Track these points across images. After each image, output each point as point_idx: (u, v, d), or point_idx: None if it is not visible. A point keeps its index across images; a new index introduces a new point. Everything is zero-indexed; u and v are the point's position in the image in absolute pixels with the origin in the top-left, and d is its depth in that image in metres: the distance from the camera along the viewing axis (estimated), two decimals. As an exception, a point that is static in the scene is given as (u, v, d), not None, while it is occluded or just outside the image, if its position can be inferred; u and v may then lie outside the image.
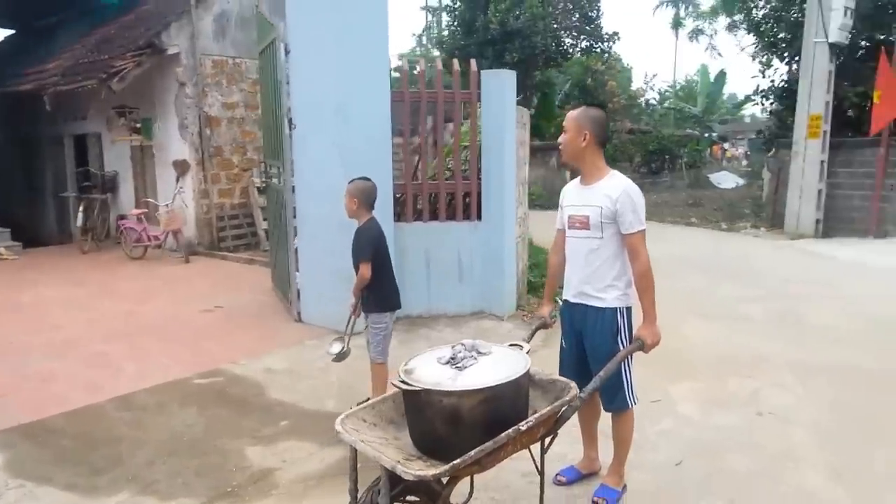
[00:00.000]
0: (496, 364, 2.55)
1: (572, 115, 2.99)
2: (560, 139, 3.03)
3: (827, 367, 5.05)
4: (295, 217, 6.18)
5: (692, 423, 4.06)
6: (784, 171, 11.90)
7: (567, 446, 3.43)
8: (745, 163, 32.64)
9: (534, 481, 3.35)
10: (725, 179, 23.34)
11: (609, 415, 3.23)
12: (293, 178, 6.12)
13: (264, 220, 10.33)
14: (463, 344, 2.63)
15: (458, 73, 6.27)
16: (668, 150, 23.83)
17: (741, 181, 22.38)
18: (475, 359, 2.56)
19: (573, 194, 3.10)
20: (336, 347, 4.26)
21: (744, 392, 4.56)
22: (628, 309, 3.03)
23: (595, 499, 3.15)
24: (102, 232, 11.29)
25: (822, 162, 11.20)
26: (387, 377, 4.27)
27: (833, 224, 11.35)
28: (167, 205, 9.66)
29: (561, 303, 3.26)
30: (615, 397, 3.07)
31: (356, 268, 4.09)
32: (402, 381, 2.49)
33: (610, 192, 2.90)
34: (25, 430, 4.07)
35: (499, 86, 6.14)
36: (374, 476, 2.53)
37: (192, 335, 6.02)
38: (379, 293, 4.15)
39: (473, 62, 6.39)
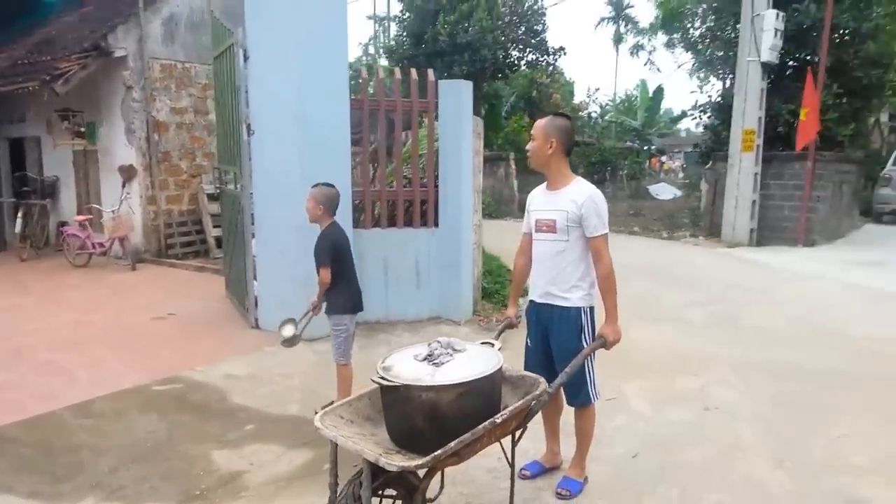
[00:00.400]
0: (471, 360, 2.67)
1: (540, 124, 3.16)
2: (528, 146, 3.20)
3: (765, 365, 5.37)
4: (253, 223, 6.17)
5: (645, 419, 4.27)
6: (720, 183, 12.48)
7: (530, 443, 3.57)
8: (681, 175, 33.88)
9: (498, 476, 3.51)
10: (664, 191, 24.20)
11: (570, 411, 3.41)
12: (251, 184, 6.12)
13: (214, 227, 10.21)
14: (439, 341, 2.74)
15: (416, 83, 6.39)
16: (609, 161, 24.58)
17: (678, 192, 23.24)
18: (451, 355, 2.68)
19: (540, 199, 3.26)
20: (288, 331, 4.28)
21: (691, 389, 4.82)
22: (591, 308, 3.20)
23: (559, 490, 3.31)
24: (42, 239, 10.90)
25: (756, 174, 11.80)
26: (350, 378, 4.35)
27: (766, 233, 11.96)
28: (113, 211, 9.43)
29: (527, 303, 3.41)
30: (579, 392, 3.23)
31: (318, 271, 4.16)
32: (382, 378, 2.59)
33: (575, 197, 3.08)
34: (-22, 440, 3.96)
35: (456, 95, 6.30)
36: (348, 473, 2.62)
37: (146, 343, 5.92)
38: (340, 296, 4.22)
39: (431, 72, 6.53)
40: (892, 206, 14.68)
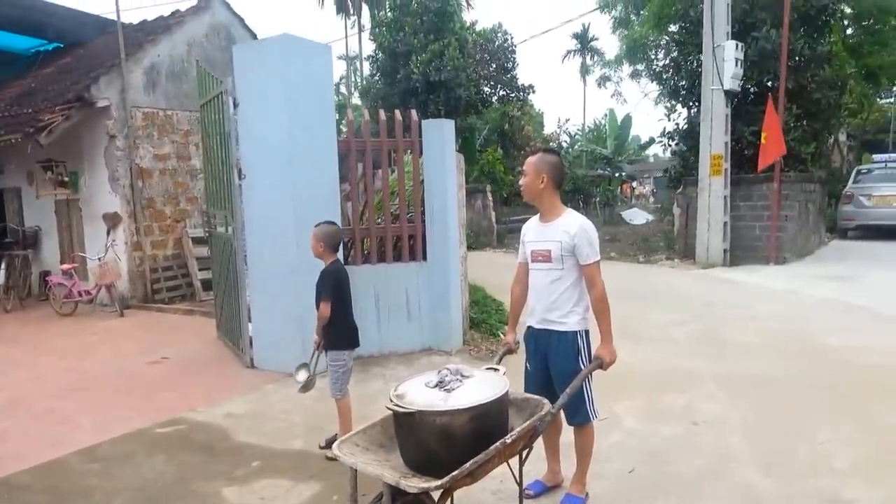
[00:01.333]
0: (480, 385, 2.85)
1: (531, 161, 3.39)
2: (520, 181, 3.43)
3: (747, 378, 5.61)
4: (246, 265, 6.31)
5: (638, 435, 4.46)
6: (692, 206, 12.89)
7: (530, 465, 3.72)
8: (652, 199, 34.67)
9: (502, 497, 3.66)
10: (637, 216, 24.74)
11: (569, 430, 3.59)
12: (243, 226, 6.28)
13: (200, 269, 10.28)
14: (448, 369, 2.92)
15: (400, 123, 6.65)
16: (582, 189, 25.12)
17: (651, 217, 23.78)
18: (461, 381, 2.85)
19: (534, 231, 3.49)
20: (302, 376, 4.40)
21: (679, 405, 5.03)
22: (587, 332, 3.41)
23: (562, 507, 3.47)
24: (24, 290, 10.87)
25: (726, 197, 12.23)
26: (350, 410, 4.45)
27: (739, 253, 12.36)
28: (99, 258, 9.47)
29: (525, 329, 3.60)
30: (578, 412, 3.42)
31: (318, 306, 4.32)
32: (397, 405, 2.75)
33: (568, 227, 3.31)
34: (-13, 490, 4.01)
35: (439, 133, 6.55)
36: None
37: (143, 387, 5.98)
38: (338, 332, 4.36)
39: (414, 112, 6.80)
40: (856, 221, 15.25)
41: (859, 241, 14.91)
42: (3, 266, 10.35)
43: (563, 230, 3.32)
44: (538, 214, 3.51)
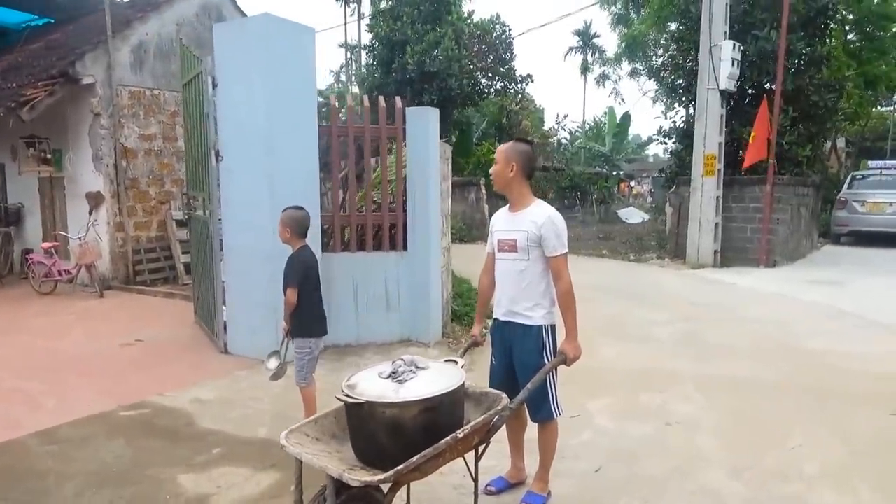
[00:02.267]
0: (434, 377, 2.75)
1: (502, 149, 3.29)
2: (491, 169, 3.33)
3: (727, 380, 5.53)
4: (221, 249, 6.20)
5: (609, 434, 4.38)
6: (685, 206, 12.79)
7: (494, 460, 3.65)
8: (649, 199, 34.55)
9: (464, 493, 3.57)
10: (632, 215, 24.66)
11: (534, 427, 3.49)
12: (220, 210, 6.16)
13: (183, 253, 10.17)
14: (402, 359, 2.82)
15: (385, 109, 6.53)
16: (579, 186, 25.01)
17: (646, 216, 23.70)
18: (414, 373, 2.76)
19: (502, 220, 3.39)
20: (273, 363, 4.31)
21: (654, 405, 4.94)
22: (552, 326, 3.32)
23: (523, 504, 3.38)
24: (5, 267, 10.74)
25: (718, 197, 12.13)
26: (314, 398, 4.38)
27: (729, 254, 12.27)
28: (80, 238, 9.34)
29: (491, 322, 3.51)
30: (541, 408, 3.33)
31: (285, 292, 4.21)
32: (346, 395, 2.65)
33: (535, 218, 3.21)
34: (-61, 469, 3.91)
35: (423, 122, 6.44)
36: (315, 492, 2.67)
37: (113, 369, 5.88)
38: (304, 319, 4.26)
39: (398, 99, 6.68)
40: (849, 227, 15.17)
41: (852, 247, 14.84)
42: (-17, 243, 10.22)
43: (530, 220, 3.22)
44: (508, 205, 3.41)
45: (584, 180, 25.39)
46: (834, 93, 12.73)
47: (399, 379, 2.70)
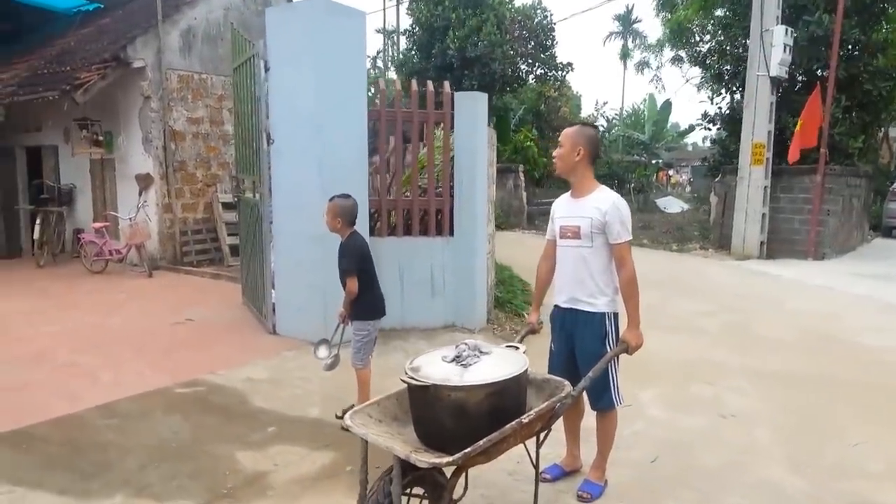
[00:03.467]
0: (498, 362, 2.74)
1: (568, 132, 3.25)
2: (555, 153, 3.29)
3: (777, 373, 5.43)
4: (272, 231, 6.28)
5: (662, 425, 4.33)
6: (730, 196, 12.55)
7: (549, 448, 3.61)
8: (688, 189, 33.97)
9: (519, 479, 3.57)
10: (671, 204, 24.26)
11: (590, 416, 3.47)
12: (270, 193, 6.23)
13: (229, 235, 10.33)
14: (466, 343, 2.82)
15: (433, 94, 6.50)
16: (617, 175, 24.69)
17: (686, 206, 23.29)
18: (478, 357, 2.75)
19: (564, 207, 3.35)
20: (322, 352, 4.36)
21: (706, 396, 4.88)
22: (615, 314, 3.28)
23: (580, 493, 3.36)
24: (58, 246, 11.03)
25: (766, 187, 11.87)
26: (368, 381, 4.39)
27: (776, 246, 12.01)
28: (130, 218, 9.55)
29: (551, 308, 3.48)
30: (602, 397, 3.30)
31: (343, 282, 4.21)
32: (411, 378, 2.66)
33: (599, 204, 3.17)
34: (7, 439, 4.03)
35: (472, 107, 6.40)
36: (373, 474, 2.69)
37: (165, 346, 6.01)
38: (363, 303, 4.26)
39: (447, 84, 6.65)
40: (902, 220, 14.72)
41: (903, 241, 14.41)
42: (38, 222, 10.50)
43: (594, 206, 3.18)
44: (569, 191, 3.36)
45: (623, 168, 25.07)
46: (889, 81, 12.31)
47: (464, 363, 2.70)
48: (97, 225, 9.91)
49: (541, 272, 3.55)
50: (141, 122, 9.94)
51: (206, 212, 10.70)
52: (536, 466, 2.99)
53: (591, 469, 3.47)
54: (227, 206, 10.50)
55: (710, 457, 3.85)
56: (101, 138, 10.33)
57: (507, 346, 3.04)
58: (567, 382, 2.96)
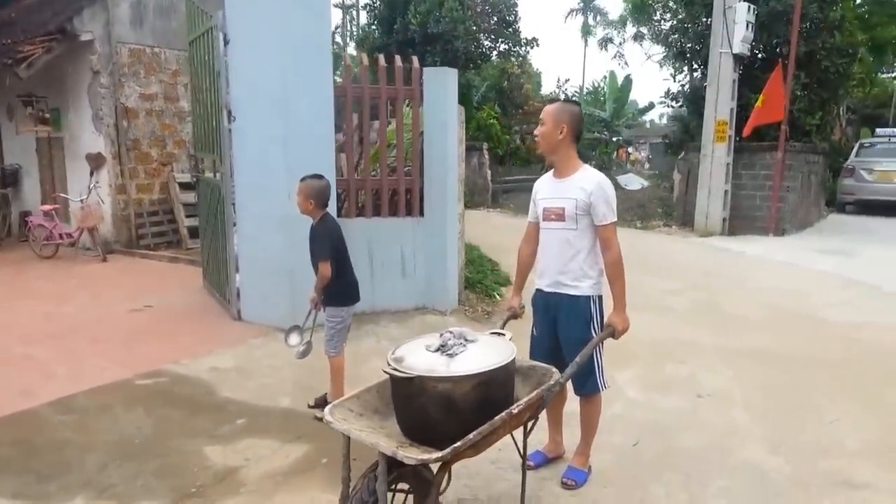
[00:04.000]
0: (485, 351, 2.62)
1: (551, 109, 3.11)
2: (536, 131, 3.15)
3: (750, 351, 5.46)
4: (234, 213, 6.02)
5: (641, 407, 4.30)
6: (693, 173, 12.63)
7: (531, 434, 3.55)
8: (647, 166, 34.32)
9: (502, 467, 3.48)
10: (632, 181, 24.42)
11: (574, 400, 3.39)
12: (232, 172, 5.96)
13: (187, 216, 9.96)
14: (451, 331, 2.69)
15: (401, 70, 6.29)
16: (579, 152, 24.61)
17: (646, 183, 23.49)
18: (464, 346, 2.62)
19: (547, 187, 3.22)
20: (294, 339, 4.22)
21: (681, 377, 4.87)
22: (600, 297, 3.19)
23: (564, 480, 3.30)
24: (3, 230, 10.51)
25: (728, 164, 11.97)
26: (342, 369, 4.25)
27: (738, 222, 12.16)
28: (82, 200, 9.11)
29: (534, 292, 3.37)
30: (586, 382, 3.22)
31: (315, 266, 4.05)
32: (395, 369, 2.52)
33: (584, 184, 3.05)
34: (-47, 439, 3.78)
35: (441, 82, 6.22)
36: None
37: (124, 336, 5.73)
38: (337, 288, 4.10)
39: (416, 59, 6.44)
40: (855, 196, 15.05)
41: (857, 216, 14.75)
42: (-20, 204, 9.98)
43: (578, 187, 3.06)
44: (551, 171, 3.24)
45: (583, 146, 25.09)
46: (846, 58, 12.49)
47: (449, 352, 2.57)
48: (46, 207, 9.42)
49: (522, 255, 3.42)
50: (90, 99, 9.44)
51: (162, 192, 10.28)
52: (524, 457, 2.90)
53: (574, 455, 3.41)
54: (185, 187, 10.10)
55: (690, 438, 3.82)
56: (47, 115, 9.80)
57: (493, 333, 2.92)
58: (555, 370, 2.87)
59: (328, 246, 3.97)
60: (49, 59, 8.78)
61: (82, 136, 9.66)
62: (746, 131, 11.52)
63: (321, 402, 4.14)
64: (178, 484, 3.33)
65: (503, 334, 2.88)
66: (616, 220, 3.09)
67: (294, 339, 4.21)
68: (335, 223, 4.15)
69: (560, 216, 3.11)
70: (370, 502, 2.44)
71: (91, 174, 9.47)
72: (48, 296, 7.14)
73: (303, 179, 4.04)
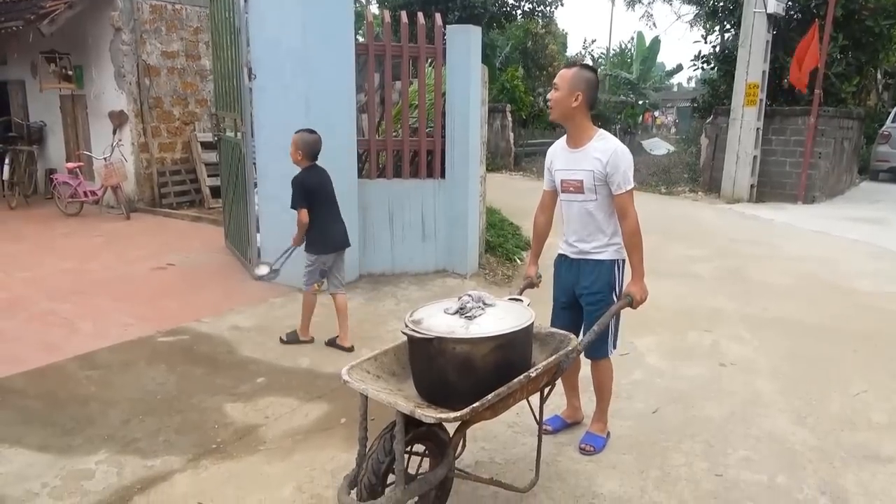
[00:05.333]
0: (503, 315, 2.58)
1: (566, 75, 2.96)
2: (550, 96, 3.01)
3: (776, 320, 5.35)
4: (256, 172, 5.99)
5: (662, 374, 4.24)
6: (721, 138, 12.33)
7: (549, 399, 3.52)
8: (673, 130, 33.66)
9: (519, 431, 3.47)
10: (657, 146, 24.04)
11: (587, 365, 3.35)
12: (253, 131, 5.91)
13: (209, 175, 9.98)
14: (469, 295, 2.65)
15: (423, 28, 6.14)
16: (604, 116, 24.24)
17: (672, 148, 23.07)
18: (482, 309, 2.59)
19: (562, 158, 3.11)
20: (263, 270, 4.73)
21: (704, 344, 4.79)
22: (624, 261, 3.11)
23: (582, 446, 3.27)
24: (30, 187, 10.60)
25: (758, 129, 11.65)
26: (311, 304, 4.67)
27: (766, 189, 11.89)
28: (105, 158, 9.14)
29: (556, 256, 3.30)
30: (599, 347, 3.14)
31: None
32: (413, 330, 2.49)
33: (600, 155, 2.95)
34: (-19, 392, 3.86)
35: (465, 41, 6.06)
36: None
37: (147, 293, 5.79)
38: (311, 236, 4.46)
39: (438, 16, 6.29)
40: (890, 163, 14.62)
41: (891, 184, 14.36)
42: (7, 161, 10.05)
43: (594, 157, 2.95)
44: (564, 137, 3.12)
45: (610, 109, 24.60)
46: (890, 19, 11.95)
47: (468, 315, 2.54)
48: (71, 165, 9.48)
49: (538, 224, 3.34)
50: (112, 56, 9.41)
51: (184, 151, 10.29)
52: (540, 423, 2.87)
53: (592, 421, 3.38)
54: (207, 146, 10.10)
55: (712, 407, 3.77)
56: (70, 73, 9.78)
57: (511, 299, 2.87)
58: (573, 336, 2.83)
59: (298, 196, 4.35)
60: (71, 16, 8.73)
61: (105, 93, 9.65)
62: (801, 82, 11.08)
63: (291, 337, 4.69)
64: (198, 440, 3.37)
65: (521, 300, 2.83)
66: (633, 187, 2.98)
67: (263, 269, 4.73)
68: (316, 175, 4.44)
69: (579, 188, 3.03)
70: (386, 463, 2.43)
71: (114, 132, 9.49)
72: (74, 253, 7.22)
73: (297, 132, 4.42)
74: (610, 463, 3.16)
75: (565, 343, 2.83)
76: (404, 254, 6.32)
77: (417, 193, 6.32)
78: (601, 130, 3.05)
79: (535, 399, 2.80)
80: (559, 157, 3.15)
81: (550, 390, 2.86)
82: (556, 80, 3.02)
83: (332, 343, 4.63)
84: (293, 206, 4.36)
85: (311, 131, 4.42)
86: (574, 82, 2.95)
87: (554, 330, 2.97)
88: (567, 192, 3.11)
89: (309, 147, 4.36)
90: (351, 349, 4.52)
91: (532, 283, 3.33)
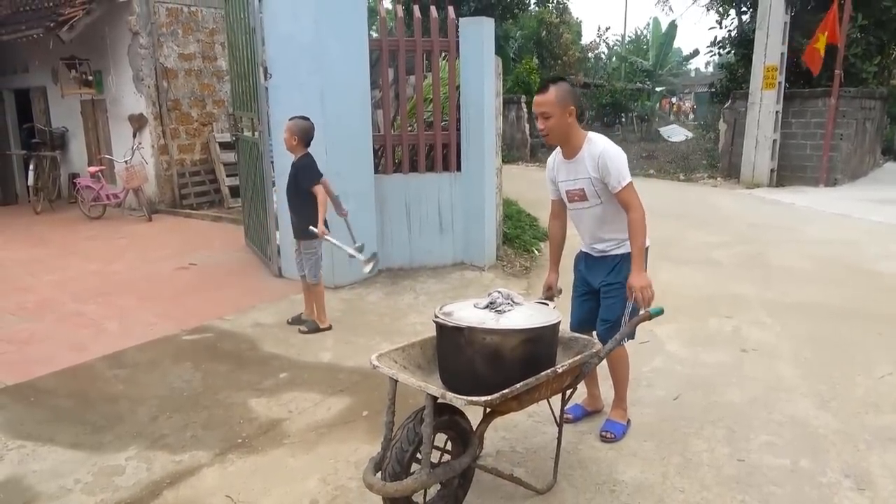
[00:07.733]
0: (532, 312, 2.65)
1: (550, 97, 2.92)
2: (542, 125, 2.99)
3: (797, 305, 5.31)
4: (273, 170, 6.05)
5: (682, 361, 4.23)
6: (740, 122, 12.20)
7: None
8: (691, 116, 33.28)
9: (540, 420, 3.49)
10: (675, 133, 23.77)
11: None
12: (269, 130, 5.97)
13: (228, 176, 10.09)
14: (499, 292, 2.71)
15: (437, 21, 6.15)
16: (619, 103, 24.05)
17: (690, 134, 22.83)
18: (511, 306, 2.63)
19: (562, 169, 3.17)
20: (368, 267, 4.62)
21: (725, 331, 4.77)
22: (646, 249, 3.11)
23: (603, 433, 3.29)
24: (54, 191, 10.81)
25: (777, 112, 11.51)
26: (323, 295, 4.81)
27: (786, 173, 11.76)
28: (126, 161, 9.28)
29: (577, 252, 3.37)
30: (609, 335, 3.15)
31: (293, 204, 4.65)
32: (445, 321, 2.52)
33: (590, 161, 3.00)
34: (14, 392, 3.95)
35: (478, 34, 6.07)
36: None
37: (170, 292, 5.89)
38: (308, 221, 4.50)
39: (451, 9, 6.29)
40: (915, 143, 14.37)
41: (915, 165, 14.13)
42: (31, 167, 10.25)
43: (587, 165, 3.01)
44: (559, 149, 3.15)
45: (626, 97, 24.40)
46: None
47: (498, 309, 2.59)
48: (93, 169, 9.65)
49: (553, 231, 3.39)
50: (131, 60, 9.54)
51: (203, 152, 10.42)
52: (560, 424, 2.90)
53: (612, 408, 3.39)
54: (225, 146, 10.21)
55: (734, 393, 3.76)
56: (90, 78, 9.94)
57: (538, 302, 2.91)
58: (596, 341, 2.90)
59: (315, 170, 4.48)
60: (89, 22, 8.87)
61: (124, 97, 9.79)
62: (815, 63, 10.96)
63: (296, 319, 4.92)
64: (225, 435, 3.43)
65: (547, 304, 2.88)
66: (630, 180, 2.99)
67: (367, 266, 4.62)
68: (313, 160, 4.60)
69: (582, 196, 3.10)
70: (409, 451, 2.48)
71: (134, 135, 9.64)
72: (98, 255, 7.36)
73: (291, 118, 4.54)
74: (631, 450, 3.17)
75: (588, 347, 2.87)
76: (422, 247, 6.35)
77: (434, 187, 6.35)
78: (589, 134, 3.08)
79: (555, 401, 2.84)
80: (560, 169, 3.20)
81: (572, 393, 2.89)
82: (542, 109, 2.95)
83: (296, 321, 4.89)
84: (309, 185, 4.47)
85: (305, 118, 4.56)
86: (562, 100, 2.94)
87: (577, 335, 3.02)
88: (573, 202, 3.19)
89: (304, 133, 4.49)
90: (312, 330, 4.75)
91: (552, 297, 3.30)
